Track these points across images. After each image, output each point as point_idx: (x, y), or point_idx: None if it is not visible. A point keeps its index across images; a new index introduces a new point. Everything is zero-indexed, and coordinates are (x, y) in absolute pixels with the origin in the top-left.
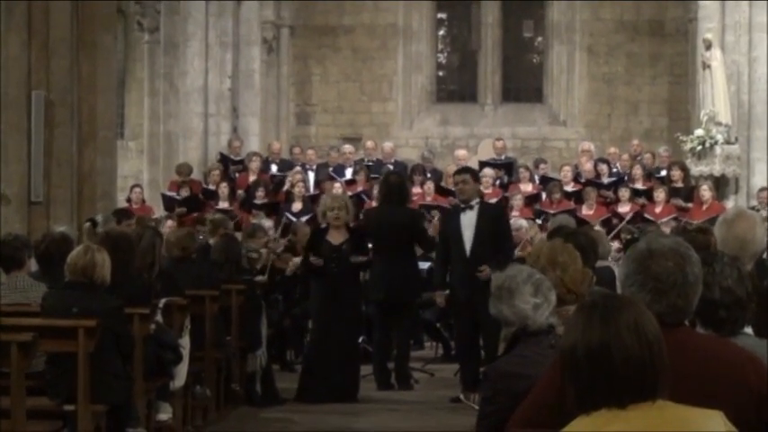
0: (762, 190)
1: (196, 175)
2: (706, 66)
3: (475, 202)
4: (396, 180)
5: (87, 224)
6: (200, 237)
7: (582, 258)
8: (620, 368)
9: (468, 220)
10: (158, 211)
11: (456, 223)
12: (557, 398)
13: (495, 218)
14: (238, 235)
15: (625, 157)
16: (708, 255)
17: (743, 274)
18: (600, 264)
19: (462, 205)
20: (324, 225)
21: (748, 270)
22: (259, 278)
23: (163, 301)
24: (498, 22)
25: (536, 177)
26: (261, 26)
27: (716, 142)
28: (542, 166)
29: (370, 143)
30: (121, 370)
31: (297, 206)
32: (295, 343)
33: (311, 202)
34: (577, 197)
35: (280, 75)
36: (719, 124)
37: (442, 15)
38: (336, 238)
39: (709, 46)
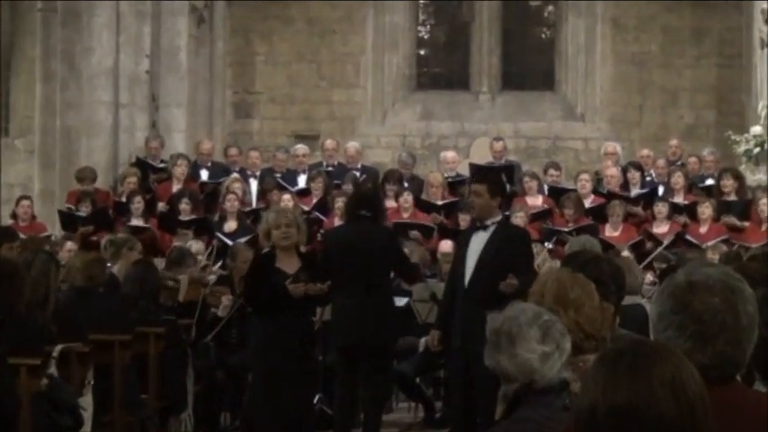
0: None
1: (103, 183)
2: (765, 43)
3: (492, 221)
4: (367, 191)
5: None
6: (110, 264)
7: (602, 292)
8: None
9: (478, 244)
10: (54, 230)
11: (464, 247)
12: None
13: (511, 243)
14: (159, 262)
15: (661, 162)
16: None
17: None
18: (629, 300)
19: (477, 224)
20: (267, 249)
21: None
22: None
23: (58, 348)
24: None
25: (545, 188)
26: None
27: None
28: (553, 172)
29: (329, 143)
30: None
31: (230, 225)
32: (231, 402)
33: (252, 218)
34: (599, 213)
35: (213, 54)
36: None
37: None
38: (289, 265)
39: None
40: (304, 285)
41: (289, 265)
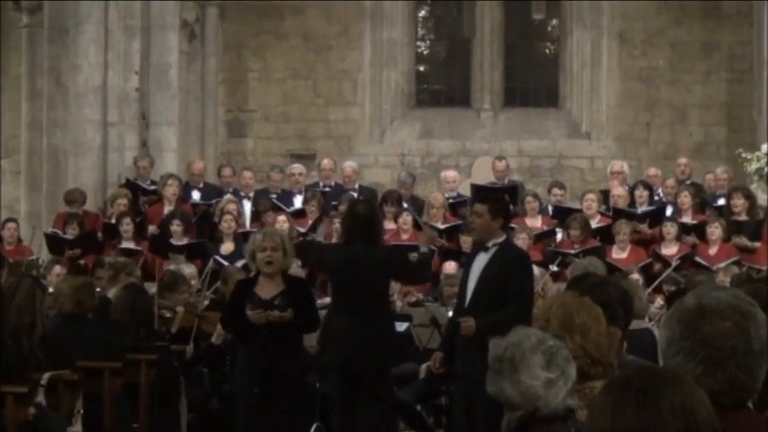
0: None
1: (91, 205)
2: None
3: (494, 242)
4: (364, 210)
5: None
6: (99, 289)
7: (609, 317)
8: None
9: (479, 267)
10: (41, 254)
11: (467, 269)
12: None
13: (509, 266)
14: (149, 286)
15: (671, 181)
16: None
17: None
18: (636, 325)
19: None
20: (253, 272)
21: None
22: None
23: (46, 375)
24: None
25: (549, 208)
26: (180, 5)
27: None
28: (557, 191)
29: (326, 162)
30: None
31: (227, 247)
32: (225, 431)
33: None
34: (605, 235)
35: (205, 70)
36: None
37: None
38: (268, 289)
39: None
40: (264, 312)
41: (268, 290)
